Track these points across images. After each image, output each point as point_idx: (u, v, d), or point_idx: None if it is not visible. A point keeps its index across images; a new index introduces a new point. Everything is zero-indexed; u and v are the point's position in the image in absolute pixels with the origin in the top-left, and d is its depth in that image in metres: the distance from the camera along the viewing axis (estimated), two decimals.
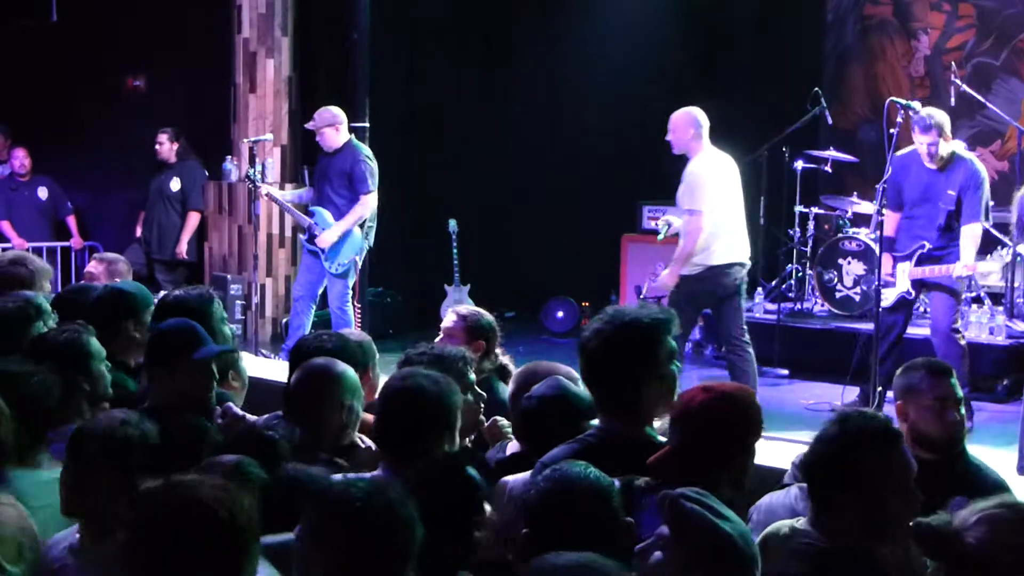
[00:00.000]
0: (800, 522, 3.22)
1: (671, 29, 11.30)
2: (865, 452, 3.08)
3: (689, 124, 7.43)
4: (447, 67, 11.25)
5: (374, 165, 8.65)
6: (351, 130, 8.86)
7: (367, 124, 9.15)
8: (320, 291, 8.81)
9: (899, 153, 7.51)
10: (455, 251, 10.55)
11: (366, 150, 8.75)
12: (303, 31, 10.51)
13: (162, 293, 6.35)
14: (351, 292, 8.78)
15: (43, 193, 11.60)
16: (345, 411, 3.97)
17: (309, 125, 8.79)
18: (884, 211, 7.41)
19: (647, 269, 10.38)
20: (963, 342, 7.44)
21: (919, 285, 7.49)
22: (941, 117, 7.33)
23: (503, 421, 4.43)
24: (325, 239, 8.57)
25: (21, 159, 11.50)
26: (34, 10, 12.07)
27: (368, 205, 8.61)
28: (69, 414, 4.01)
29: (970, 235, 7.30)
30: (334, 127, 8.64)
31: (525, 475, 3.53)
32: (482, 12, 11.32)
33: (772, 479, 4.23)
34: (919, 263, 7.44)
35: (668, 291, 7.45)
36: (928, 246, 7.45)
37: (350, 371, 4.08)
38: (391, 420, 3.62)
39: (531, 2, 11.54)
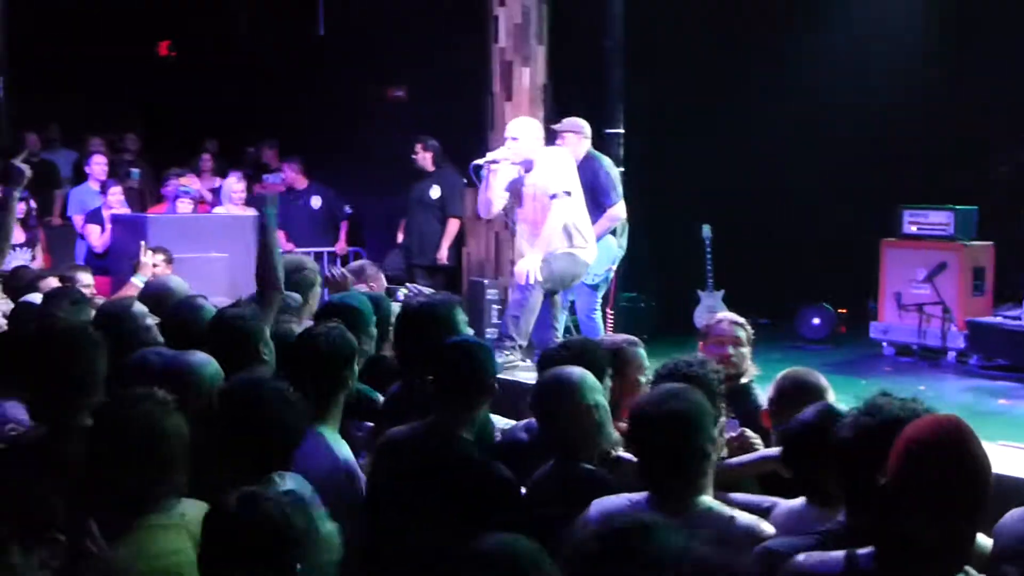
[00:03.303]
0: None
1: (926, 21, 10.96)
2: None
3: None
4: (697, 71, 11.21)
5: (615, 174, 8.62)
6: (606, 136, 8.92)
7: (622, 130, 9.19)
8: (571, 297, 8.86)
9: None
10: (709, 257, 10.49)
11: (607, 160, 8.69)
12: (557, 39, 10.64)
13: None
14: (600, 300, 8.83)
15: (316, 202, 12.14)
16: (593, 411, 3.90)
17: (556, 126, 8.85)
18: None
19: (907, 275, 10.10)
20: None
21: None
22: None
23: (751, 434, 4.37)
24: None
25: (295, 171, 12.10)
26: (303, 26, 12.67)
27: (615, 216, 8.58)
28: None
29: None
30: (577, 135, 8.63)
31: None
32: (731, 14, 11.24)
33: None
34: None
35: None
36: None
37: (587, 373, 4.01)
38: (645, 452, 3.51)
39: (779, 2, 11.38)
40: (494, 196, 7.95)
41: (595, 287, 8.68)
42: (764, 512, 3.56)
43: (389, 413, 4.68)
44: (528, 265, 7.71)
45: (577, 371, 4.02)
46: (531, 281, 7.68)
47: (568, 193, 7.76)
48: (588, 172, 8.51)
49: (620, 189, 8.58)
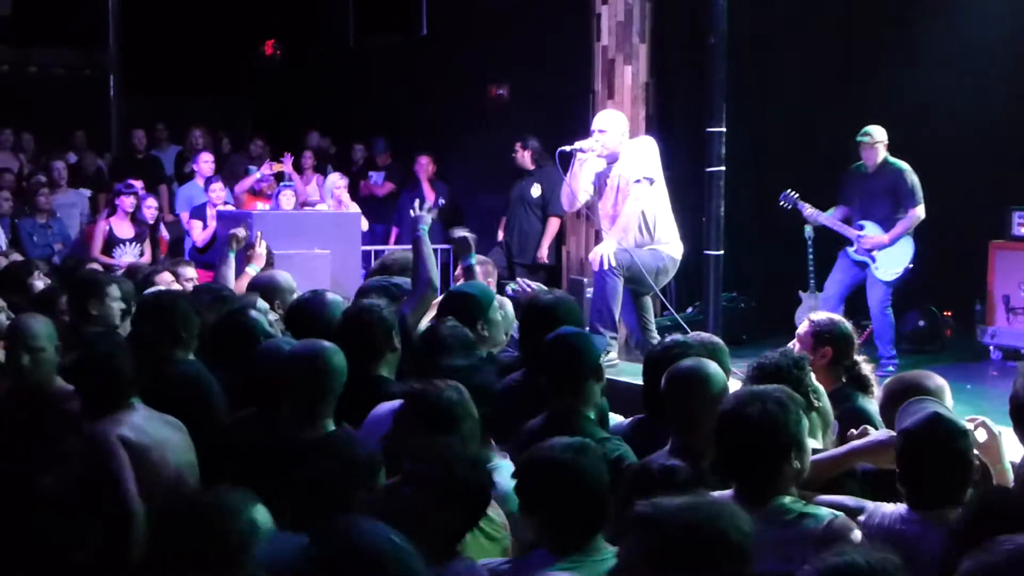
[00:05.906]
0: None
1: None
2: None
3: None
4: (802, 68, 11.06)
5: (916, 178, 8.92)
6: (720, 136, 8.89)
7: (723, 128, 9.11)
8: (848, 295, 9.28)
9: None
10: (811, 257, 10.34)
11: (906, 166, 8.98)
12: (660, 37, 10.58)
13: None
14: (891, 299, 9.16)
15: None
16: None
17: (865, 139, 9.15)
18: None
19: (1017, 277, 9.88)
20: None
21: None
22: None
23: (872, 430, 4.28)
24: (870, 240, 8.99)
25: (421, 165, 12.31)
26: (407, 26, 12.77)
27: (917, 217, 8.93)
28: None
29: None
30: (884, 144, 9.06)
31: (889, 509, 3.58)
32: (838, 10, 11.06)
33: None
34: None
35: None
36: None
37: (722, 374, 4.17)
38: (727, 450, 3.64)
39: None
40: (578, 187, 7.97)
41: (889, 284, 9.06)
42: (851, 513, 3.58)
43: (507, 404, 4.77)
44: (602, 250, 7.68)
45: (713, 366, 4.20)
46: (605, 267, 7.64)
47: (650, 181, 7.75)
48: (889, 177, 9.01)
49: (921, 193, 8.91)
